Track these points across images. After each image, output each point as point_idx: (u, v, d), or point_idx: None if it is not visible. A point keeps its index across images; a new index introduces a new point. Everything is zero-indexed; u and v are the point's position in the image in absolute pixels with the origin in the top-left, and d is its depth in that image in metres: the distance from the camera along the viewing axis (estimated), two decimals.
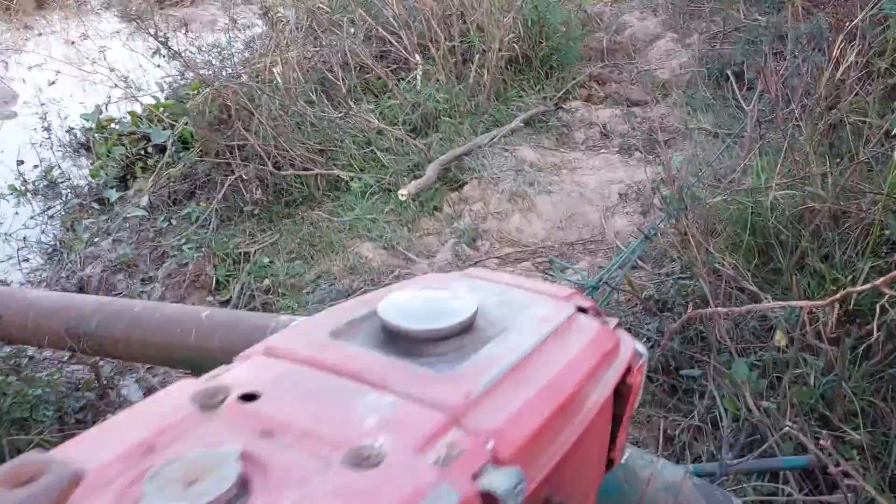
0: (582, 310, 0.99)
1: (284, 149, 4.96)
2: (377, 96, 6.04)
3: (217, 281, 4.72)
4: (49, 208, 6.30)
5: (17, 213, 6.24)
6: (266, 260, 4.65)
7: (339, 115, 4.92)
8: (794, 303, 2.58)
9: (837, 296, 2.38)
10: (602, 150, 5.38)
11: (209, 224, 5.05)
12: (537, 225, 4.61)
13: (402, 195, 4.51)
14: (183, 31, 10.24)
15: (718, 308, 3.04)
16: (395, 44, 6.04)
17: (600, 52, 7.20)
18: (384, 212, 4.75)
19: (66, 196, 6.38)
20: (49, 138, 7.10)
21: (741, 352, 3.21)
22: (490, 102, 5.99)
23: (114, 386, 3.76)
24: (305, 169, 5.02)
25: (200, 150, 5.23)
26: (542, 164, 5.16)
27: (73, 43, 9.87)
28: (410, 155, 5.14)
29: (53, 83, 8.48)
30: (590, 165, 5.19)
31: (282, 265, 4.57)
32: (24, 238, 5.84)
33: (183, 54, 5.77)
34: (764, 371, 3.16)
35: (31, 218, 6.18)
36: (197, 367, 3.26)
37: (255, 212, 5.05)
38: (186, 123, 5.79)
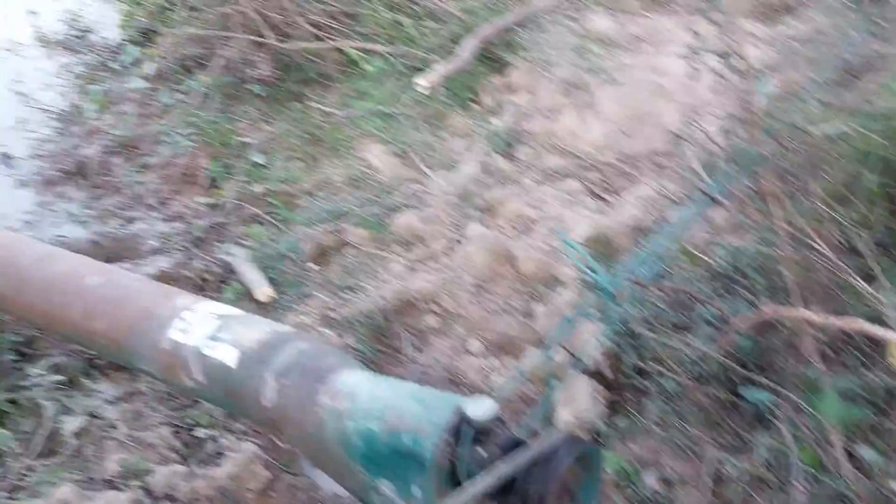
0: None
1: (292, 13, 4.02)
2: None
3: (212, 177, 4.02)
4: (73, 65, 5.67)
5: (39, 68, 5.65)
6: (261, 157, 3.87)
7: None
8: None
9: None
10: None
11: (210, 103, 4.27)
12: (596, 128, 3.56)
13: (420, 85, 3.54)
14: None
15: (805, 312, 2.06)
16: None
17: None
18: (404, 102, 3.81)
19: (90, 51, 5.71)
20: None
21: (837, 368, 2.23)
22: None
23: None
24: (318, 39, 4.08)
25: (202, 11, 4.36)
26: (618, 38, 3.99)
27: None
28: (450, 23, 4.08)
29: None
30: (682, 39, 3.97)
31: (280, 166, 3.78)
32: (39, 101, 5.27)
33: None
34: (869, 400, 2.21)
35: (54, 76, 5.58)
36: (83, 346, 2.65)
37: (261, 92, 4.21)
38: None
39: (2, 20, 6.08)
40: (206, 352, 1.91)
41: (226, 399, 1.93)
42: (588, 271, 2.01)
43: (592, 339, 2.58)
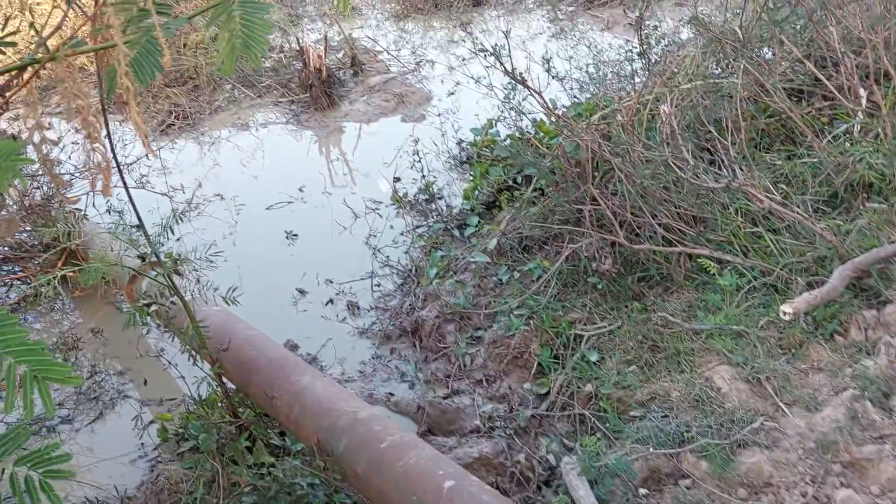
0: None
1: (645, 214, 4.01)
2: (792, 143, 4.71)
3: (540, 364, 4.02)
4: (419, 227, 6.22)
5: (391, 226, 6.27)
6: (594, 355, 3.80)
7: (720, 185, 3.78)
8: None
9: None
10: None
11: (547, 288, 4.35)
12: None
13: (784, 312, 3.27)
14: (603, 32, 9.66)
15: None
16: (824, 79, 4.60)
17: None
18: (759, 324, 3.54)
19: (437, 216, 6.23)
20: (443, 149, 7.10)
21: None
22: None
23: None
24: (666, 242, 4.01)
25: (554, 201, 4.53)
26: None
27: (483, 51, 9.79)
28: (815, 243, 3.79)
29: (452, 94, 8.52)
30: None
31: (612, 367, 3.67)
32: (388, 258, 5.81)
33: (561, 76, 5.12)
34: None
35: (402, 234, 6.16)
36: None
37: (600, 285, 4.20)
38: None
39: (372, 184, 6.93)
40: None
41: None
42: None
43: None
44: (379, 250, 5.95)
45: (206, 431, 3.57)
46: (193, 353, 3.30)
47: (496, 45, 3.89)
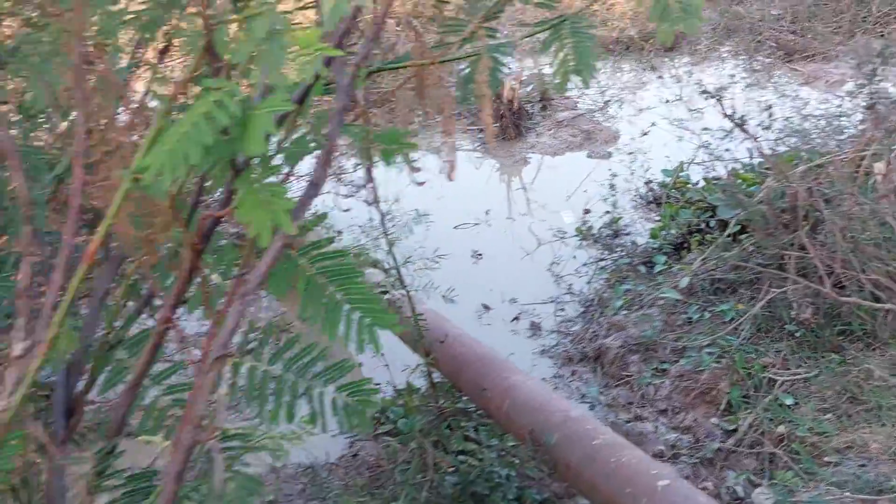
0: None
1: (854, 267, 4.00)
2: None
3: (729, 403, 4.08)
4: (602, 259, 6.38)
5: (574, 256, 6.47)
6: (790, 400, 3.82)
7: None
8: None
9: None
10: None
11: (741, 331, 4.40)
12: None
13: None
14: (802, 86, 9.47)
15: None
16: None
17: None
18: None
19: (622, 251, 6.37)
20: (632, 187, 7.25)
21: None
22: None
23: None
24: (874, 298, 3.97)
25: (755, 245, 4.58)
26: None
27: (680, 98, 9.77)
28: None
29: (646, 133, 8.62)
30: None
31: (808, 413, 3.69)
32: (570, 286, 6.02)
33: (759, 131, 5.16)
34: None
35: (584, 265, 6.34)
36: None
37: (798, 333, 4.20)
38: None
39: (553, 214, 7.18)
40: None
41: None
42: None
43: None
44: (561, 277, 6.15)
45: (406, 416, 3.91)
46: (412, 343, 3.64)
47: (721, 86, 4.04)
